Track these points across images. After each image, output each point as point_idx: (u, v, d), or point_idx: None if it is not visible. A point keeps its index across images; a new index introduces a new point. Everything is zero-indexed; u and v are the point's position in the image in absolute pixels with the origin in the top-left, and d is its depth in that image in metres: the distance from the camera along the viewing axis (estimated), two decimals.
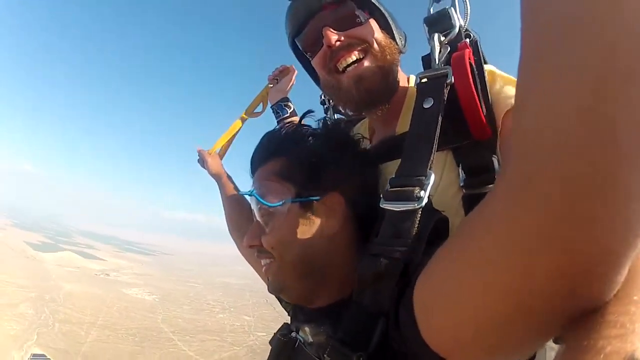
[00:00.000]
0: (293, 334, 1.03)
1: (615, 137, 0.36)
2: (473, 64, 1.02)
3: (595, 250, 0.41)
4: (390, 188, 0.86)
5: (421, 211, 0.80)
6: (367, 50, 1.20)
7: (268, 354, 1.09)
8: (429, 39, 1.11)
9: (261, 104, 2.10)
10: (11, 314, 74.80)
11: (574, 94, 0.38)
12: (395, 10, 1.33)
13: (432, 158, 0.86)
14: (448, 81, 0.96)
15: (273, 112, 2.01)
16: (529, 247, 0.45)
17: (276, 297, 1.22)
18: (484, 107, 0.99)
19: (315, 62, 1.28)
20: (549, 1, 0.40)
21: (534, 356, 0.92)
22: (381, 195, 0.88)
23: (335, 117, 1.64)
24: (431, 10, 1.15)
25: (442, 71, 0.98)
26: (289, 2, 1.28)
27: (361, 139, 1.13)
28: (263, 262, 1.01)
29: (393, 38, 1.24)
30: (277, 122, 1.92)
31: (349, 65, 1.19)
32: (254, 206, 1.01)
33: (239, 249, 1.67)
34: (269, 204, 0.95)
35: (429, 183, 0.82)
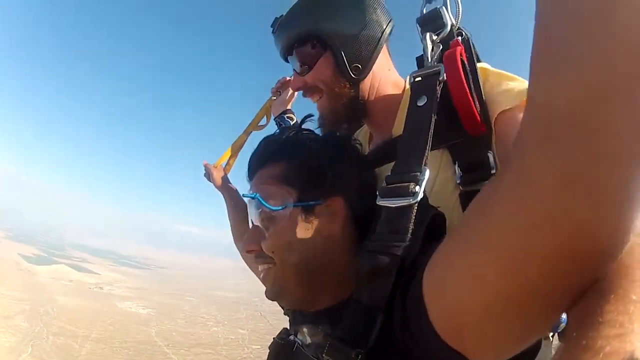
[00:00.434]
0: (291, 337, 1.02)
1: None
2: (465, 60, 1.02)
3: (606, 223, 0.42)
4: (386, 185, 0.86)
5: (417, 207, 0.79)
6: (322, 91, 1.28)
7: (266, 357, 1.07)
8: (422, 38, 1.11)
9: (265, 116, 2.11)
10: (6, 326, 73.06)
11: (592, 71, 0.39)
12: (396, 13, 1.32)
13: (426, 154, 0.85)
14: (440, 78, 0.95)
15: (276, 124, 2.03)
16: (541, 223, 0.45)
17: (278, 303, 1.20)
18: (477, 102, 0.99)
19: None
20: None
21: (537, 353, 0.90)
22: (377, 193, 0.87)
23: None
24: (424, 10, 1.16)
25: (434, 69, 0.98)
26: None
27: (359, 145, 1.13)
28: (261, 267, 0.99)
29: (343, 71, 1.23)
30: None
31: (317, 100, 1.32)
32: (252, 210, 0.99)
33: (243, 258, 1.69)
34: (272, 207, 0.93)
35: (423, 178, 0.81)
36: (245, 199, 1.03)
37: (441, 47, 1.08)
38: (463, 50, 1.02)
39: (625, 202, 0.42)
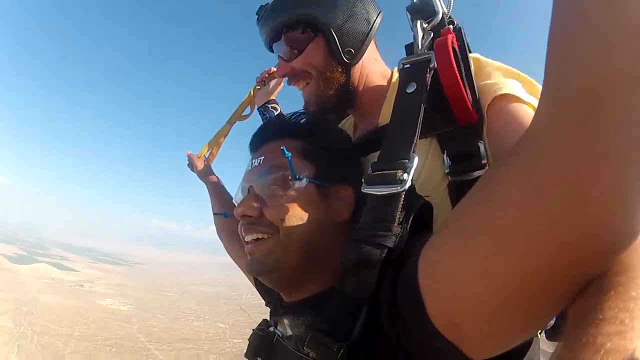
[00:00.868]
0: (271, 329, 0.98)
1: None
2: (457, 48, 0.98)
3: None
4: (372, 172, 0.82)
5: (404, 196, 0.76)
6: (311, 76, 1.22)
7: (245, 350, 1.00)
8: (412, 26, 1.07)
9: (249, 106, 2.03)
10: None
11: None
12: (382, 5, 1.30)
13: (415, 141, 0.82)
14: (431, 65, 0.92)
15: (260, 114, 1.95)
16: (557, 210, 0.43)
17: (259, 290, 1.20)
18: (468, 91, 0.95)
19: None
20: None
21: (528, 349, 0.84)
22: (362, 180, 0.83)
23: None
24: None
25: (425, 56, 0.94)
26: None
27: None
28: (252, 236, 0.92)
29: (335, 55, 1.18)
30: None
31: (303, 87, 1.27)
32: (257, 176, 0.95)
33: (226, 248, 1.67)
34: (296, 175, 0.89)
35: (412, 166, 0.78)
36: (255, 161, 0.98)
37: (432, 35, 1.04)
38: (454, 39, 0.99)
39: None
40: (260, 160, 0.96)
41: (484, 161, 0.97)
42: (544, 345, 1.02)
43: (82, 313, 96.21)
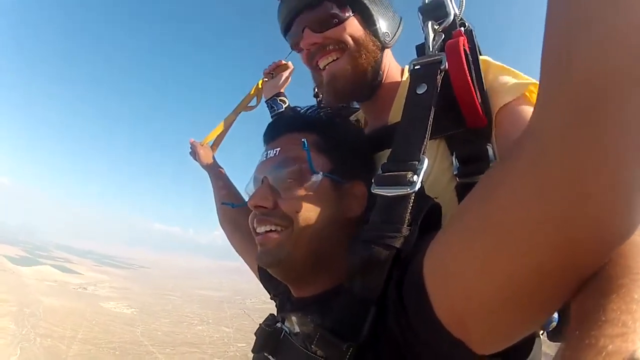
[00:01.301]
0: (278, 324, 0.95)
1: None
2: (468, 51, 0.97)
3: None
4: (382, 173, 0.82)
5: (414, 197, 0.75)
6: (344, 50, 1.15)
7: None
8: (423, 27, 1.06)
9: (255, 98, 1.98)
10: None
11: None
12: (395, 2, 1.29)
13: (425, 142, 0.81)
14: (442, 67, 0.91)
15: (267, 106, 1.90)
16: (559, 208, 0.44)
17: (264, 282, 1.16)
18: (478, 94, 0.94)
19: (302, 60, 1.27)
20: None
21: (532, 348, 0.86)
22: (372, 181, 0.82)
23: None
24: (426, 0, 1.11)
25: (436, 57, 0.93)
26: (278, 1, 1.25)
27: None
28: (265, 227, 0.91)
29: (375, 33, 1.17)
30: (272, 116, 1.83)
31: (329, 63, 1.18)
32: (273, 167, 0.94)
33: (230, 239, 1.63)
34: (314, 169, 0.89)
35: (422, 168, 0.77)
36: (270, 152, 0.97)
37: (443, 36, 1.04)
38: (466, 41, 0.98)
39: None
40: (276, 151, 0.95)
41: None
42: (546, 348, 1.02)
43: (85, 316, 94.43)
